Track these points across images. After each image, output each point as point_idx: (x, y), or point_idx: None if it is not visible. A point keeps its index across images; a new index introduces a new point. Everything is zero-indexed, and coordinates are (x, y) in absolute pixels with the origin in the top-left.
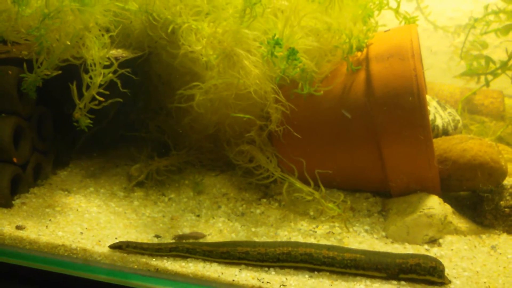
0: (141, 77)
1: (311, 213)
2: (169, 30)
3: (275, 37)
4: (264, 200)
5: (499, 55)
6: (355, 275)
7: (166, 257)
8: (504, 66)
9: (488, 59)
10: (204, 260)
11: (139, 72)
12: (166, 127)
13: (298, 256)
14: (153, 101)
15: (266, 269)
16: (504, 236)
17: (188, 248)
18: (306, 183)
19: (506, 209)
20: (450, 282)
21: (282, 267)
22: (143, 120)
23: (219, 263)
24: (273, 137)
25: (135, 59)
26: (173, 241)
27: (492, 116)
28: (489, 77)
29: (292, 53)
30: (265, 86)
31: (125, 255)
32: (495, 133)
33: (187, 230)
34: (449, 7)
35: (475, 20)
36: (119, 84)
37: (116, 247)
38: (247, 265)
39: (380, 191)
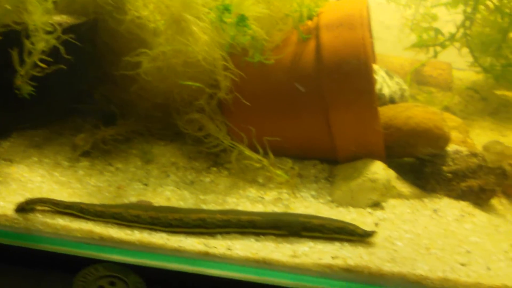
0: (87, 45)
1: (260, 181)
2: None
3: (225, 3)
4: (214, 168)
5: (450, 29)
6: (257, 234)
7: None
8: (452, 38)
9: (437, 31)
10: (150, 228)
11: (85, 39)
12: (113, 96)
13: (191, 222)
14: (100, 69)
15: (213, 235)
16: (446, 200)
17: (82, 208)
18: (256, 151)
19: (448, 174)
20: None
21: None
22: (89, 90)
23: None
24: (224, 106)
25: (80, 26)
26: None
27: (440, 87)
28: (438, 48)
29: (242, 19)
30: (214, 52)
31: (68, 223)
32: (442, 103)
33: (133, 199)
34: None
35: None
36: (63, 51)
37: (20, 209)
38: (139, 228)
39: (329, 158)
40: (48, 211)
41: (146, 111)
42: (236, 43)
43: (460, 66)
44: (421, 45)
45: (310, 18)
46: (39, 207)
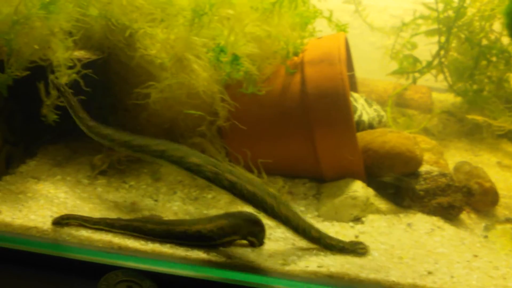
0: (101, 76)
1: None
2: (126, 35)
3: (220, 46)
4: None
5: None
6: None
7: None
8: (428, 65)
9: (415, 59)
10: (161, 241)
11: (100, 71)
12: (125, 121)
13: (193, 234)
14: (114, 98)
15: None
16: (419, 215)
17: (108, 222)
18: (252, 171)
19: (420, 192)
20: None
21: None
22: (104, 115)
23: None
24: (223, 131)
25: (96, 61)
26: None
27: (421, 109)
28: (416, 75)
29: (235, 59)
30: (212, 87)
31: (90, 235)
32: (419, 125)
33: (146, 213)
34: (391, 5)
35: (403, 24)
36: (82, 84)
37: (56, 223)
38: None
39: (316, 177)
40: (76, 225)
41: (154, 135)
42: (231, 77)
43: (444, 87)
44: (401, 71)
45: (296, 54)
46: (72, 222)
